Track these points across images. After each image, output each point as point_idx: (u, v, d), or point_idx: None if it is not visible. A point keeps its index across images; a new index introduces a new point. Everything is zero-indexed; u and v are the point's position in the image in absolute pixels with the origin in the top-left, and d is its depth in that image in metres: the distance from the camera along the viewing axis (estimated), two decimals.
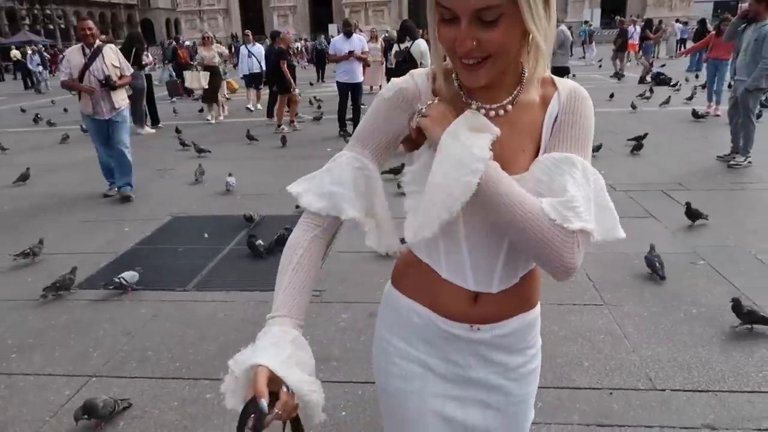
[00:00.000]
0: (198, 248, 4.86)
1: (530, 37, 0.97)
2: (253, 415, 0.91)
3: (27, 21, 51.36)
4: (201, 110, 13.16)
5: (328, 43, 19.08)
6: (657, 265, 3.87)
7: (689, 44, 23.58)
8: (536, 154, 1.07)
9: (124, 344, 3.30)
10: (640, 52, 18.13)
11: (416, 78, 1.11)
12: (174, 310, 3.73)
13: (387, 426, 1.28)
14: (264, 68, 12.30)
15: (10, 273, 4.44)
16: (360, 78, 9.46)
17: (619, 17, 27.38)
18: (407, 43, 8.37)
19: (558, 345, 3.14)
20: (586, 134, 1.07)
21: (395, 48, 8.94)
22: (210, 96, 12.11)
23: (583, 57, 25.62)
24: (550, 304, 3.53)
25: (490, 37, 0.94)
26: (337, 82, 9.56)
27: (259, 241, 4.64)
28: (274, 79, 10.68)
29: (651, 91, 12.91)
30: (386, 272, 1.29)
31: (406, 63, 8.08)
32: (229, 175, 6.60)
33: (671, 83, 14.32)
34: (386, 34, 18.49)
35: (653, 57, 19.52)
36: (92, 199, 6.48)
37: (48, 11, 53.38)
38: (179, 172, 7.57)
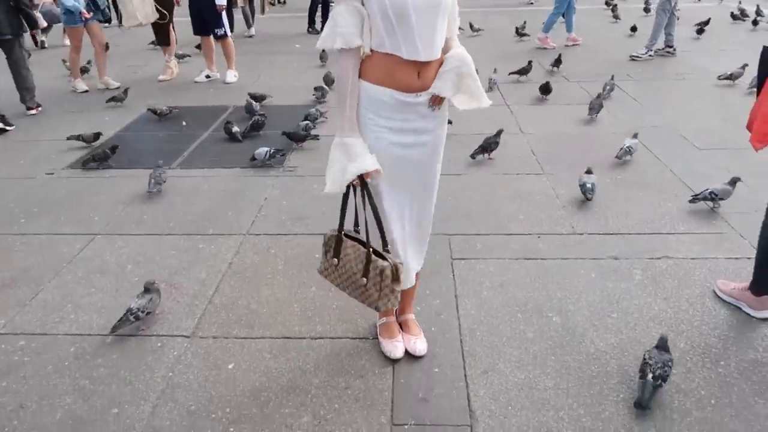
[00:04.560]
0: (178, 134, 5.20)
1: None
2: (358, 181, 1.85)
3: None
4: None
5: None
6: (588, 186, 3.68)
7: None
8: None
9: (121, 210, 3.73)
10: None
11: None
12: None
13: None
14: None
15: (4, 153, 4.77)
16: None
17: None
18: None
19: (501, 204, 3.68)
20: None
21: None
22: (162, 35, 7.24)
23: None
24: (497, 174, 4.06)
25: None
26: None
27: (235, 128, 4.99)
28: None
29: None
30: None
31: None
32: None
33: None
34: None
35: None
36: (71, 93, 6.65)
37: None
38: (150, 69, 7.68)
